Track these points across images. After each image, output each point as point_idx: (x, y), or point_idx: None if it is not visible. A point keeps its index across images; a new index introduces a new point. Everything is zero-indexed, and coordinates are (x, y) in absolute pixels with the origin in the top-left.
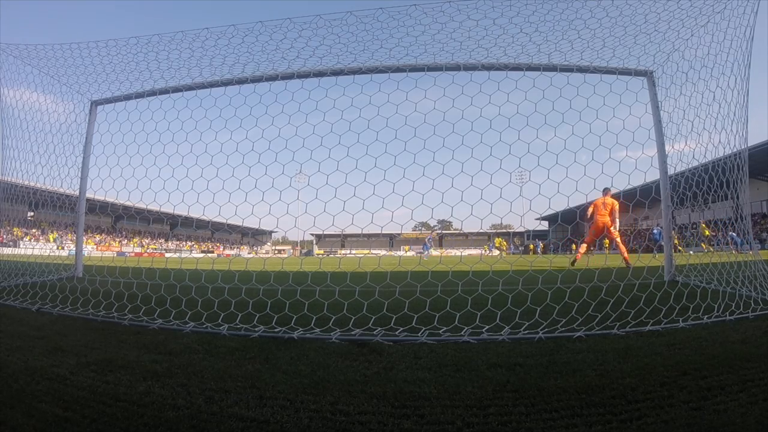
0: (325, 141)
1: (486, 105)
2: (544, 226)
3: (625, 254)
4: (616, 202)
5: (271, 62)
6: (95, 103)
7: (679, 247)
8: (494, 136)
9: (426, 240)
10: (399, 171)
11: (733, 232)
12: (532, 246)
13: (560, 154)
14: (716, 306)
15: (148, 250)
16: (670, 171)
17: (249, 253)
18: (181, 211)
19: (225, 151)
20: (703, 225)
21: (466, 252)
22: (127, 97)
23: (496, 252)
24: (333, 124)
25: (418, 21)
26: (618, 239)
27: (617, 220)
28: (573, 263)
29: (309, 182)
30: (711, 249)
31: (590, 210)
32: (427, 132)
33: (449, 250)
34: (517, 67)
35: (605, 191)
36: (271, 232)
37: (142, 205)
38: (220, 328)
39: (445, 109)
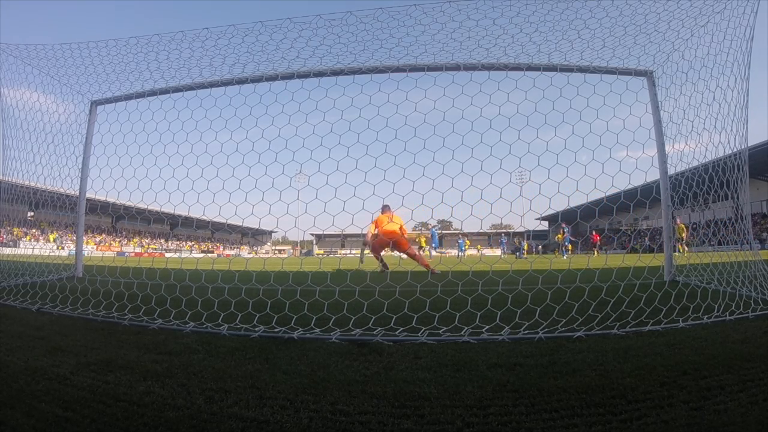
0: (325, 141)
1: (486, 105)
2: (545, 226)
3: (425, 260)
4: (401, 220)
5: (271, 62)
6: (95, 103)
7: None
8: (494, 136)
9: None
10: (399, 171)
11: (504, 237)
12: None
13: (560, 154)
14: (716, 306)
15: (148, 250)
16: (670, 171)
17: (249, 253)
18: (181, 211)
19: (225, 151)
20: (682, 225)
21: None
22: (128, 97)
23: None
24: (333, 124)
25: (418, 21)
26: (411, 249)
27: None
28: (381, 271)
29: (309, 182)
30: (685, 249)
31: (371, 227)
32: (427, 132)
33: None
34: (517, 67)
35: (384, 209)
36: (271, 232)
37: (142, 205)
38: (220, 328)
39: (445, 109)
